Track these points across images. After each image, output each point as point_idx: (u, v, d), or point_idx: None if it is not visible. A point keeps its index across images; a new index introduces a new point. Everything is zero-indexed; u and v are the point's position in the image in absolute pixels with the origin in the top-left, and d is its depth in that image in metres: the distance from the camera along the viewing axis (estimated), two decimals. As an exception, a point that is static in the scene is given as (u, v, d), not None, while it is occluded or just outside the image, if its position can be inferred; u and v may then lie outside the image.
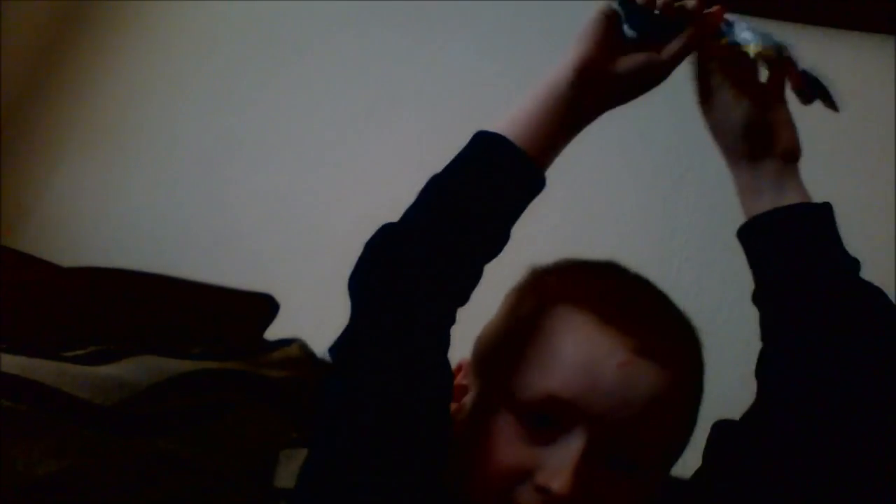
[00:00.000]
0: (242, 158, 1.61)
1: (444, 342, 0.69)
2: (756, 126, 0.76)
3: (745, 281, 1.27)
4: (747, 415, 0.74)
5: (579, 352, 0.68)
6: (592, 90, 0.74)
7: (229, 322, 1.12)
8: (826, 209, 0.75)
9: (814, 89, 0.74)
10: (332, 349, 0.69)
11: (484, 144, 0.72)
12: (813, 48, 1.37)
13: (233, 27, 1.71)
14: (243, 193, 1.58)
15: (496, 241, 0.71)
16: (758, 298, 0.75)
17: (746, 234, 0.76)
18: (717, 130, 0.79)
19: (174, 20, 1.75)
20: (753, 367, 1.24)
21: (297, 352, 1.07)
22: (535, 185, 0.73)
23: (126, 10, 1.77)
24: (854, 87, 1.36)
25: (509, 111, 0.74)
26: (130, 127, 1.68)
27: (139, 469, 0.83)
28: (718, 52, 0.77)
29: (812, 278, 0.71)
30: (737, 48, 0.75)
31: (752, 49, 0.74)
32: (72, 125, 1.70)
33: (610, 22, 0.74)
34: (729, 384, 1.27)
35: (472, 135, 0.73)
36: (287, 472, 0.93)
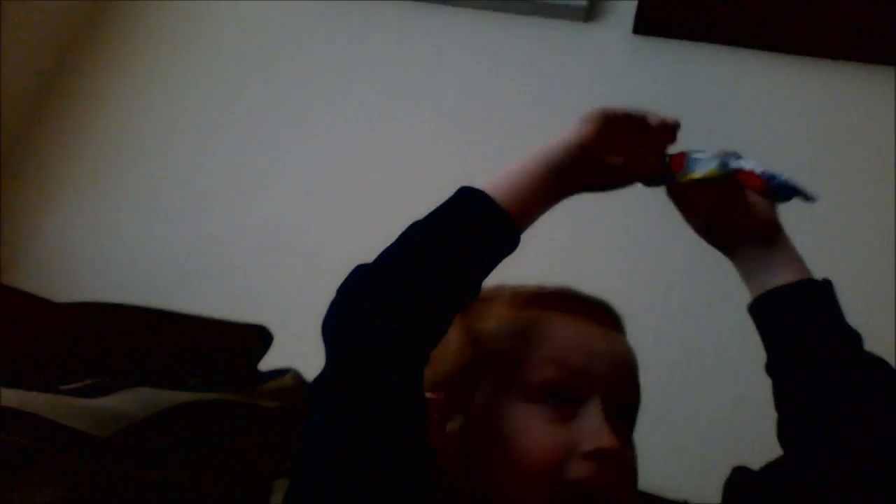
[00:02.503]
0: (234, 192, 1.62)
1: (418, 380, 0.71)
2: (726, 223, 0.83)
3: (730, 306, 1.29)
4: (772, 467, 0.79)
5: (570, 333, 0.77)
6: (584, 170, 0.80)
7: (224, 354, 1.13)
8: (826, 285, 0.79)
9: (783, 190, 0.78)
10: (309, 389, 0.71)
11: (468, 200, 0.76)
12: (816, 80, 1.41)
13: (223, 60, 1.74)
14: (235, 226, 1.59)
15: (466, 294, 0.74)
16: (770, 369, 0.79)
17: (754, 312, 0.81)
18: (701, 232, 0.86)
19: (165, 55, 1.77)
20: (742, 389, 1.26)
21: (292, 382, 1.08)
22: (510, 245, 0.76)
23: (116, 46, 1.79)
24: (856, 118, 1.39)
25: (495, 174, 0.78)
26: (123, 163, 1.70)
27: (135, 500, 0.83)
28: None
29: (819, 352, 0.76)
30: (686, 177, 0.82)
31: (697, 175, 0.81)
32: (65, 163, 1.72)
33: (609, 121, 0.80)
34: (718, 406, 1.29)
35: (456, 189, 0.77)
36: (281, 501, 0.93)
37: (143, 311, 1.13)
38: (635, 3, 1.52)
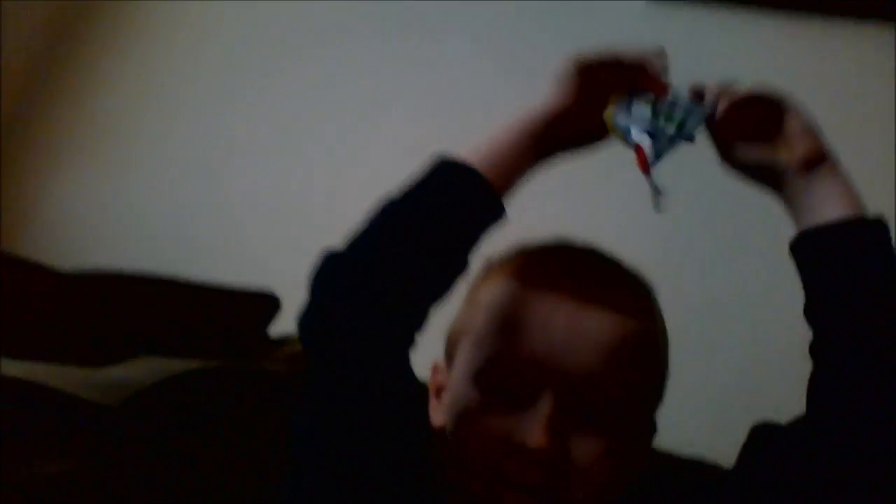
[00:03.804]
0: (241, 158, 1.62)
1: (404, 364, 0.70)
2: (763, 155, 0.76)
3: (742, 279, 1.28)
4: (794, 428, 0.71)
5: (531, 316, 0.69)
6: (561, 132, 0.76)
7: (232, 321, 1.12)
8: (876, 225, 0.73)
9: (652, 184, 0.73)
10: (288, 361, 0.70)
11: (445, 168, 0.73)
12: (812, 38, 1.39)
13: (229, 31, 1.72)
14: (242, 193, 1.58)
15: (453, 268, 0.72)
16: (808, 314, 0.72)
17: (794, 251, 0.74)
18: (739, 170, 0.79)
19: (171, 25, 1.75)
20: (751, 362, 1.25)
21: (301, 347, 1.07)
22: (494, 212, 0.73)
23: (122, 16, 1.77)
24: (854, 76, 1.37)
25: (472, 142, 0.75)
26: (128, 130, 1.69)
27: (143, 468, 0.83)
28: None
29: (868, 296, 0.70)
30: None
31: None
32: (70, 130, 1.71)
33: (584, 73, 0.76)
34: (728, 380, 1.28)
35: (432, 158, 0.74)
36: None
37: (150, 279, 1.13)
38: (649, -31, 1.50)
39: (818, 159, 0.74)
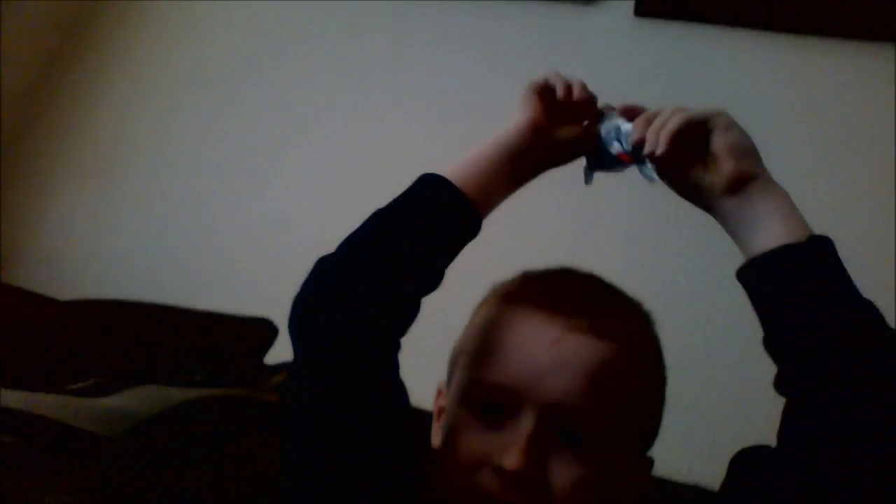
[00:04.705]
0: (233, 186, 1.61)
1: (390, 367, 0.71)
2: (696, 177, 0.75)
3: (738, 286, 1.28)
4: (773, 453, 0.69)
5: (514, 340, 0.71)
6: (537, 149, 0.79)
7: (229, 348, 1.12)
8: (821, 244, 0.70)
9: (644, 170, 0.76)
10: (281, 388, 0.71)
11: (428, 185, 0.76)
12: (820, 59, 1.40)
13: (220, 57, 1.72)
14: (236, 220, 1.58)
15: (430, 279, 0.73)
16: (766, 345, 0.70)
17: (742, 279, 0.73)
18: (678, 192, 0.78)
19: (161, 53, 1.76)
20: (748, 372, 1.25)
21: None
22: (472, 229, 0.76)
23: (115, 42, 1.78)
24: (856, 94, 1.38)
25: (455, 161, 0.77)
26: (123, 159, 1.69)
27: (142, 499, 0.83)
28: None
29: (821, 323, 0.67)
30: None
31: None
32: (65, 160, 1.71)
33: (544, 93, 0.79)
34: (725, 390, 1.28)
35: (417, 176, 0.76)
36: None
37: (147, 308, 1.13)
38: (636, -15, 1.51)
39: (745, 178, 0.72)
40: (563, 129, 0.80)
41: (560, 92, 0.80)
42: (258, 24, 1.73)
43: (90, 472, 0.81)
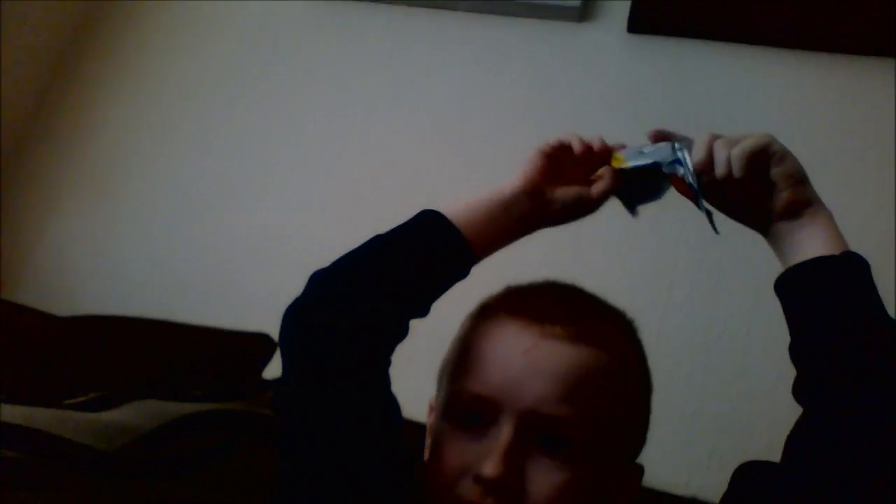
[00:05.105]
0: (232, 200, 1.62)
1: (378, 383, 0.72)
2: (753, 202, 0.79)
3: (735, 298, 1.28)
4: (777, 468, 0.71)
5: (491, 350, 0.73)
6: (533, 207, 0.80)
7: (227, 363, 1.12)
8: (857, 260, 0.73)
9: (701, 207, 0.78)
10: (273, 403, 0.72)
11: (430, 220, 0.77)
12: (814, 74, 1.41)
13: (217, 72, 1.73)
14: (234, 234, 1.58)
15: (418, 309, 0.75)
16: (791, 353, 0.73)
17: (777, 290, 0.76)
18: (733, 216, 0.81)
19: (160, 63, 1.77)
20: (746, 384, 1.25)
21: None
22: (462, 271, 0.77)
23: (111, 53, 1.79)
24: (856, 111, 1.38)
25: (454, 204, 0.79)
26: (120, 175, 1.69)
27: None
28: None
29: (848, 335, 0.69)
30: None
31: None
32: (62, 175, 1.71)
33: (550, 158, 0.81)
34: (722, 400, 1.28)
35: (420, 210, 0.78)
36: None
37: (146, 323, 1.13)
38: (629, 2, 1.51)
39: (802, 204, 0.77)
40: (564, 191, 0.81)
41: (577, 147, 0.81)
42: (255, 38, 1.74)
43: (89, 487, 0.81)
